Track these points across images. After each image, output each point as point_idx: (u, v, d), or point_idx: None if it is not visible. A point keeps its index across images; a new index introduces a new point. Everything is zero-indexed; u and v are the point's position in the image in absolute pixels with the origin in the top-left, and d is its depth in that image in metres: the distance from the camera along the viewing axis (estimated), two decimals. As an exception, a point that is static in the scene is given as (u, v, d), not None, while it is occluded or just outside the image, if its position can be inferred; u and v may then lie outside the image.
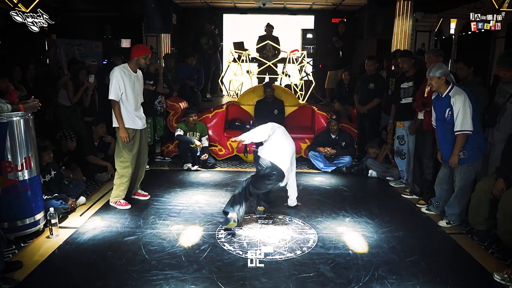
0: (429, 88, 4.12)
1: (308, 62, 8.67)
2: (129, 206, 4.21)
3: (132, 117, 4.12)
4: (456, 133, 3.64)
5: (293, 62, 8.00)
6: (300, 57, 8.17)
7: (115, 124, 4.12)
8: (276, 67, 8.10)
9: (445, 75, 3.69)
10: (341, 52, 8.21)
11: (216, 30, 8.96)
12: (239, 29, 10.30)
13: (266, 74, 8.10)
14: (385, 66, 6.55)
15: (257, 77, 8.20)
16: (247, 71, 8.07)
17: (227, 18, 10.36)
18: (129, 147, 4.15)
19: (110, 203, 4.23)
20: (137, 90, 4.17)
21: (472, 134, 3.62)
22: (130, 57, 4.10)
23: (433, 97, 3.91)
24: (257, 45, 8.41)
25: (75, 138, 4.85)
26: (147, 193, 4.53)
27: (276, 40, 8.53)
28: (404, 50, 4.92)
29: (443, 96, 3.74)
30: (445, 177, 4.00)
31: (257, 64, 8.20)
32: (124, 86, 4.02)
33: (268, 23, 8.83)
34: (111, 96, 4.01)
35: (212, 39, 8.52)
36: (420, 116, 4.37)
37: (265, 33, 8.73)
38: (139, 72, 4.24)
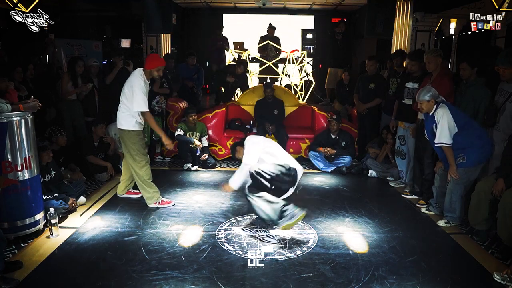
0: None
1: (308, 62, 8.68)
2: (173, 203, 4.30)
3: (139, 120, 4.13)
4: (435, 145, 3.76)
5: (293, 62, 8.01)
6: (300, 57, 8.18)
7: (127, 126, 4.08)
8: (277, 67, 8.09)
9: (434, 98, 3.76)
10: (339, 43, 8.20)
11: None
12: (239, 29, 10.31)
13: (267, 74, 8.09)
14: (388, 66, 6.54)
15: (258, 77, 8.19)
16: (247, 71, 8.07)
17: (227, 18, 10.37)
18: (140, 145, 4.17)
19: (153, 205, 4.23)
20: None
21: (472, 141, 3.66)
22: (145, 67, 4.08)
23: (423, 114, 3.99)
24: (258, 45, 8.42)
25: (64, 133, 4.84)
26: (138, 191, 4.51)
27: (277, 40, 8.54)
28: (412, 53, 4.88)
29: (430, 114, 3.82)
30: (442, 178, 4.01)
31: (258, 64, 8.19)
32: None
33: (271, 24, 8.84)
34: (143, 107, 3.98)
35: (241, 81, 7.64)
36: (421, 116, 4.36)
37: (267, 33, 8.74)
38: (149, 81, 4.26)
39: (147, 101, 4.03)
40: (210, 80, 8.46)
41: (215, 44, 8.76)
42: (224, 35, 9.07)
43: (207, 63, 9.22)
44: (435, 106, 3.78)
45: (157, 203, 4.24)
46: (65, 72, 5.60)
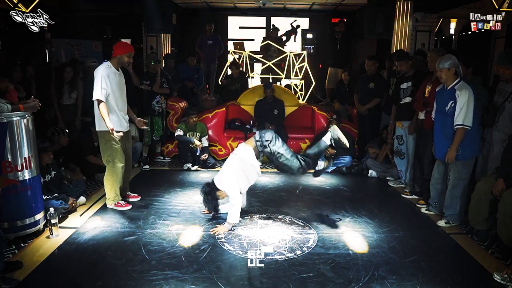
0: (429, 87, 4.12)
1: (308, 63, 8.68)
2: (130, 206, 4.20)
3: (120, 118, 4.04)
4: (456, 127, 3.62)
5: (293, 62, 8.01)
6: (300, 57, 8.18)
7: (99, 127, 4.00)
8: (280, 67, 8.09)
9: (455, 66, 3.67)
10: (339, 45, 8.20)
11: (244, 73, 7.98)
12: (239, 29, 10.33)
13: (269, 75, 8.07)
14: (387, 66, 6.55)
15: (260, 77, 8.18)
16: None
17: (228, 18, 10.39)
18: (117, 148, 4.06)
19: (109, 206, 4.19)
20: (123, 89, 4.10)
21: (470, 132, 3.62)
22: (112, 55, 4.01)
23: (437, 89, 3.90)
24: (261, 46, 8.40)
25: (66, 133, 4.85)
26: (136, 194, 4.50)
27: (280, 41, 8.53)
28: (399, 54, 4.90)
29: (448, 88, 3.72)
30: (440, 176, 4.00)
31: (261, 64, 8.18)
32: (111, 85, 3.91)
33: (274, 26, 8.82)
34: (97, 96, 3.83)
35: (240, 82, 7.51)
36: (421, 116, 4.36)
37: (270, 35, 8.73)
38: (121, 70, 4.15)
39: (105, 90, 3.84)
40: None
41: (204, 44, 8.20)
42: (215, 33, 8.50)
43: None
44: (456, 80, 3.68)
45: (116, 204, 4.17)
46: (52, 79, 5.56)
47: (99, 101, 3.87)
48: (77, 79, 5.58)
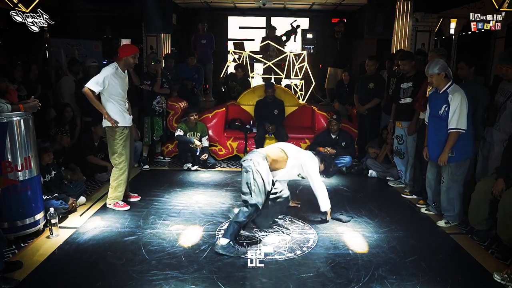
0: (430, 87, 4.12)
1: (308, 63, 8.68)
2: (128, 207, 4.19)
3: (123, 114, 4.07)
4: (450, 131, 3.63)
5: (293, 62, 8.00)
6: (300, 57, 8.18)
7: (105, 124, 4.05)
8: (280, 67, 8.09)
9: (444, 70, 3.67)
10: (339, 45, 8.20)
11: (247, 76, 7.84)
12: (239, 29, 10.33)
13: (271, 75, 8.07)
14: (387, 66, 6.55)
15: (262, 77, 8.17)
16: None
17: (228, 18, 10.39)
18: (123, 145, 4.09)
19: (108, 205, 4.19)
20: (125, 91, 4.13)
21: (463, 134, 3.63)
22: (119, 56, 4.02)
23: (430, 92, 3.90)
24: (261, 46, 8.39)
25: (69, 134, 4.86)
26: (136, 194, 4.49)
27: (279, 40, 8.51)
28: (403, 53, 4.90)
29: (440, 92, 3.73)
30: (433, 177, 4.01)
31: (262, 64, 8.19)
32: (115, 87, 3.94)
33: (270, 25, 8.81)
34: (91, 85, 3.81)
35: (242, 85, 7.46)
36: (422, 116, 4.36)
37: (268, 34, 8.72)
38: (126, 72, 4.17)
39: (100, 86, 3.84)
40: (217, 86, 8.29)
41: (198, 42, 8.24)
42: (208, 32, 8.49)
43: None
44: (448, 83, 3.68)
45: (115, 204, 4.17)
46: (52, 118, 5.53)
47: (88, 90, 3.84)
48: (76, 119, 5.56)
